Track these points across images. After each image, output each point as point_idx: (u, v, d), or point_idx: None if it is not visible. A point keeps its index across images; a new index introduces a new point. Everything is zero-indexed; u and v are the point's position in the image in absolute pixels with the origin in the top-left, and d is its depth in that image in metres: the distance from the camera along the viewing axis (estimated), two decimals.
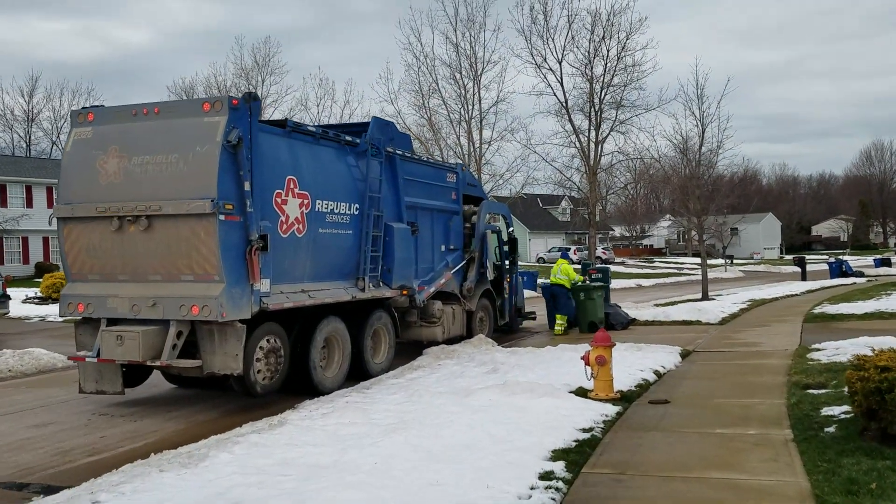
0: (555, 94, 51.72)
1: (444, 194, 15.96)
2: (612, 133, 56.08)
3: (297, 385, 11.22)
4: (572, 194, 64.06)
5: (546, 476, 6.31)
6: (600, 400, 9.26)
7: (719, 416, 8.68)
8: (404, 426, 8.00)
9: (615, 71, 50.64)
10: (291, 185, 10.95)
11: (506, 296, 18.48)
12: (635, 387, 10.17)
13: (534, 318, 20.54)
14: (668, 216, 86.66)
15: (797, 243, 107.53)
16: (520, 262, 60.72)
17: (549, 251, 68.62)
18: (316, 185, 11.48)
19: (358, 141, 12.69)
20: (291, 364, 11.08)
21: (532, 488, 6.00)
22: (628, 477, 6.51)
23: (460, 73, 55.33)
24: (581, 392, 9.61)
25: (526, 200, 71.77)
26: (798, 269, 45.48)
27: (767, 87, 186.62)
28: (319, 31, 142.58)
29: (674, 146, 27.48)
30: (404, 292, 13.71)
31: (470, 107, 55.69)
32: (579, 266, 21.99)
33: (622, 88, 54.80)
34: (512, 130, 54.20)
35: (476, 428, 7.80)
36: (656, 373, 11.27)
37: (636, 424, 8.40)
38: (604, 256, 67.24)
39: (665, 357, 12.44)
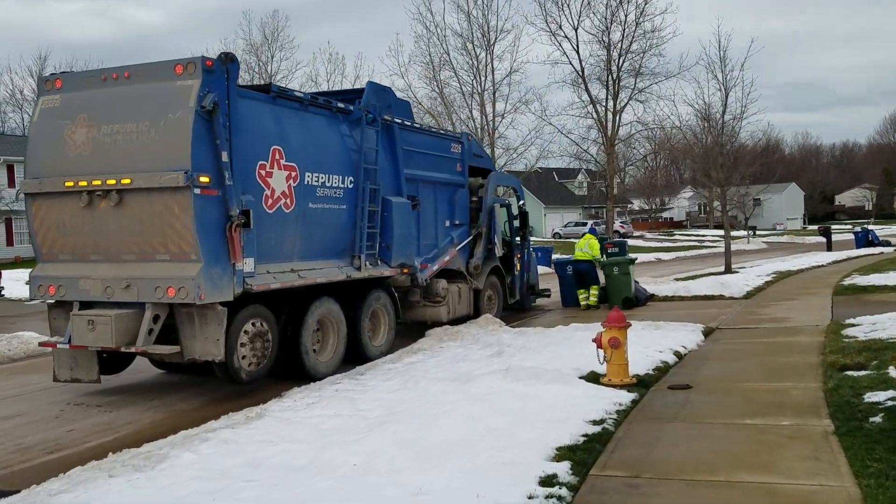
0: (570, 63, 50.40)
1: (448, 166, 15.03)
2: (630, 102, 54.81)
3: (289, 370, 10.44)
4: (589, 167, 62.92)
5: (548, 481, 5.44)
6: (614, 386, 8.37)
7: (748, 403, 7.76)
8: (394, 418, 7.17)
9: (633, 37, 49.25)
10: (277, 157, 10.08)
11: (516, 272, 17.56)
12: (653, 370, 9.27)
13: (548, 296, 19.64)
14: (688, 188, 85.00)
15: (820, 213, 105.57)
16: (535, 238, 59.95)
17: (566, 226, 67.45)
18: (305, 157, 10.60)
19: (351, 108, 11.77)
20: (282, 348, 10.29)
21: (530, 497, 5.14)
22: (644, 481, 5.62)
23: (472, 42, 54.04)
24: (592, 377, 8.73)
25: (541, 174, 70.49)
26: (823, 240, 44.22)
27: (790, 56, 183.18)
28: (330, 6, 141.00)
29: (695, 111, 26.27)
30: (405, 271, 12.84)
31: (483, 78, 54.54)
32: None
33: (641, 55, 53.19)
34: (526, 102, 53.04)
35: (473, 420, 6.95)
36: (677, 354, 10.36)
37: (654, 414, 7.51)
38: (622, 230, 66.00)
39: (686, 336, 11.52)
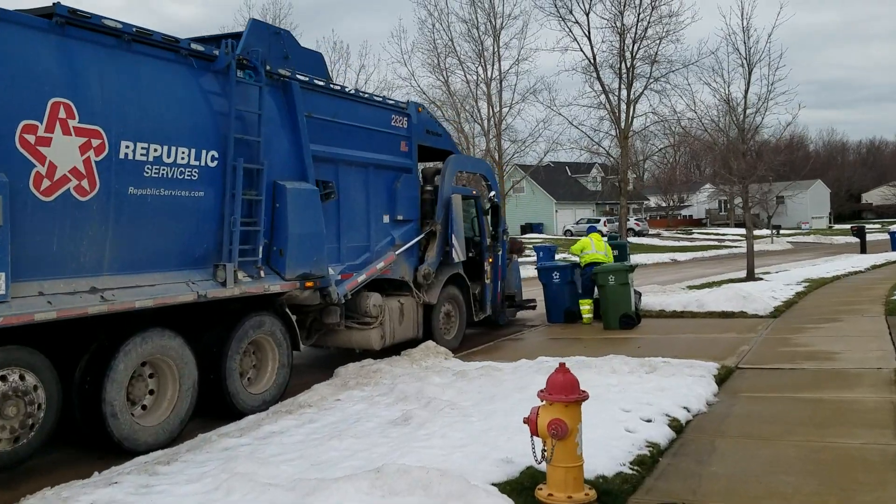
0: (581, 50, 46.35)
1: (387, 144, 11.49)
2: (645, 92, 50.90)
3: (94, 439, 7.00)
4: (601, 161, 58.94)
5: None
6: None
7: None
8: None
9: (649, 22, 45.23)
10: (61, 115, 6.57)
11: (487, 281, 13.99)
12: (631, 465, 5.66)
13: (533, 307, 16.08)
14: (708, 185, 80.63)
15: (846, 212, 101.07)
16: (544, 235, 56.22)
17: (578, 222, 63.58)
18: (122, 119, 7.10)
19: (215, 52, 8.26)
20: (82, 409, 6.85)
21: None
22: None
23: (478, 29, 50.48)
24: (524, 485, 5.18)
25: (553, 169, 66.62)
26: (853, 240, 40.28)
27: (815, 54, 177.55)
28: None
29: (712, 91, 22.51)
30: (309, 284, 9.33)
31: (489, 66, 51.02)
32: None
33: (657, 42, 49.41)
34: (535, 91, 49.48)
35: None
36: (674, 424, 6.75)
37: None
38: (637, 228, 62.17)
39: (691, 386, 7.90)
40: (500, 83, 50.91)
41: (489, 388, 8.01)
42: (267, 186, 8.83)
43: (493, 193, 14.36)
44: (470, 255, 13.82)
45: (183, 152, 7.75)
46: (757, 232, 31.91)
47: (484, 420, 6.68)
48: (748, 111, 20.84)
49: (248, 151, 8.47)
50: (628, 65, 51.01)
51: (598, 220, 62.40)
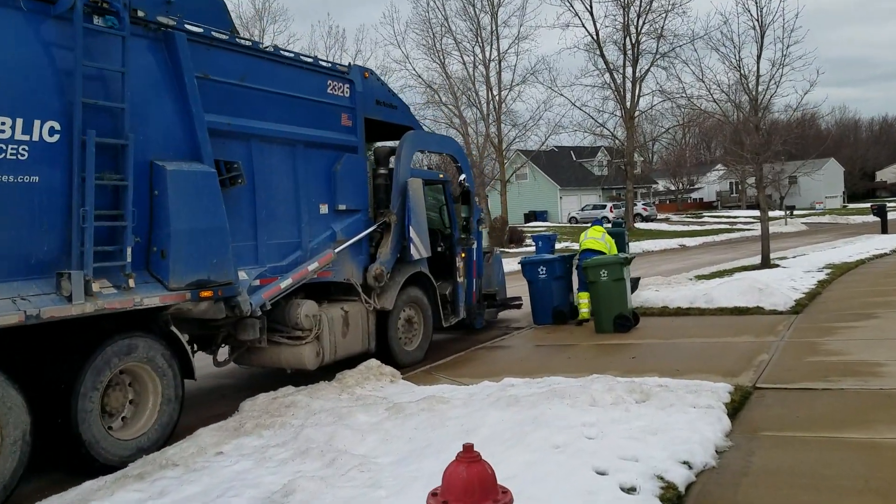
0: (583, 25, 44.61)
1: (323, 117, 9.41)
2: (651, 69, 48.53)
3: None
4: (607, 143, 56.62)
5: None
6: None
7: None
8: None
9: None
10: None
11: (460, 279, 11.96)
12: None
13: (519, 307, 14.03)
14: (719, 165, 77.95)
15: (860, 190, 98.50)
16: (548, 224, 54.03)
17: (583, 209, 61.24)
18: None
19: None
20: None
21: None
22: None
23: (474, 6, 48.36)
24: None
25: (557, 154, 64.40)
26: (870, 219, 38.02)
27: (835, 30, 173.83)
28: None
29: (722, 57, 20.32)
30: (206, 293, 7.29)
31: (487, 46, 48.84)
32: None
33: (663, 15, 47.07)
34: (535, 72, 47.35)
35: None
36: (667, 495, 4.69)
37: None
38: (644, 213, 59.88)
39: (694, 423, 5.82)
40: (500, 64, 48.79)
41: (425, 431, 5.96)
42: (141, 168, 6.82)
43: (463, 177, 12.24)
44: (438, 249, 11.81)
45: (3, 123, 5.74)
46: (770, 213, 29.72)
47: (395, 496, 4.65)
48: (761, 77, 18.62)
49: (106, 122, 6.45)
50: (633, 40, 48.86)
51: (604, 206, 60.07)
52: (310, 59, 9.40)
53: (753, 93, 19.26)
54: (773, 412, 6.56)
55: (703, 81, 20.55)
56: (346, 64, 10.04)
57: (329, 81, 9.53)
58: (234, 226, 7.83)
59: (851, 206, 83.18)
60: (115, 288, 6.51)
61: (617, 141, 50.98)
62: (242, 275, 7.94)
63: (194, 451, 5.92)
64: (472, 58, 48.52)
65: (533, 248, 19.81)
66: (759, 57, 18.84)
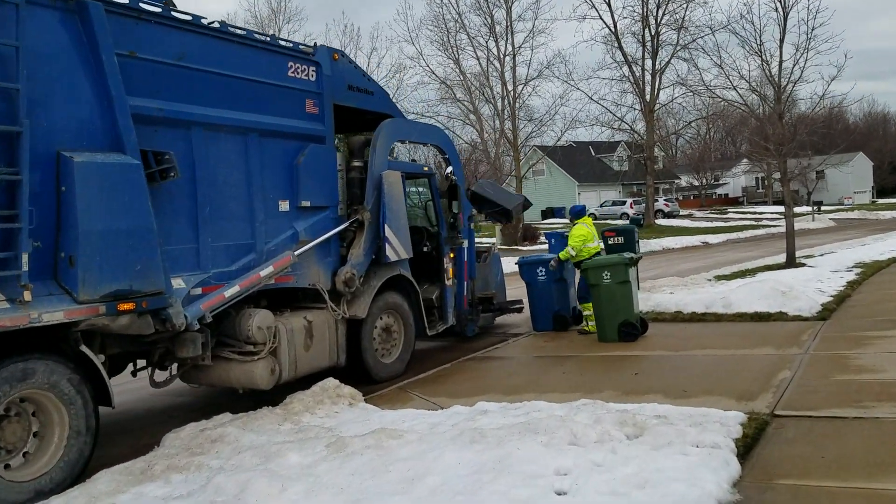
0: (601, 17, 43.02)
1: (283, 103, 8.31)
2: (672, 61, 47.01)
3: None
4: (626, 138, 55.14)
5: None
6: None
7: None
8: None
9: None
10: None
11: (448, 282, 10.83)
12: None
13: (519, 310, 12.86)
14: (744, 161, 75.99)
15: (890, 185, 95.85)
16: (562, 221, 52.67)
17: (602, 205, 59.79)
18: None
19: None
20: None
21: None
22: None
23: (487, 0, 47.11)
24: None
25: (575, 149, 62.95)
26: None
27: (864, 22, 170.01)
28: None
29: (741, 42, 18.97)
30: (126, 305, 6.23)
31: (501, 41, 47.56)
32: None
33: (684, 5, 45.54)
34: (550, 66, 46.00)
35: None
36: None
37: None
38: (666, 209, 58.31)
39: (693, 472, 4.62)
40: (514, 58, 47.49)
41: (363, 479, 4.85)
42: (45, 160, 5.79)
43: (450, 170, 11.10)
44: (424, 249, 10.73)
45: None
46: (797, 209, 28.33)
47: None
48: (784, 62, 17.30)
49: None
50: (652, 32, 47.37)
51: (623, 202, 58.58)
52: (265, 38, 8.32)
53: (776, 79, 17.99)
54: (793, 450, 5.37)
55: (722, 68, 19.18)
56: (312, 45, 8.94)
57: (290, 63, 8.42)
58: (168, 226, 6.80)
59: (881, 201, 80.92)
60: (7, 302, 5.47)
61: (636, 135, 49.60)
62: (179, 283, 6.90)
63: (83, 501, 4.86)
64: (486, 53, 47.35)
65: (547, 247, 18.69)
66: (781, 40, 17.52)
